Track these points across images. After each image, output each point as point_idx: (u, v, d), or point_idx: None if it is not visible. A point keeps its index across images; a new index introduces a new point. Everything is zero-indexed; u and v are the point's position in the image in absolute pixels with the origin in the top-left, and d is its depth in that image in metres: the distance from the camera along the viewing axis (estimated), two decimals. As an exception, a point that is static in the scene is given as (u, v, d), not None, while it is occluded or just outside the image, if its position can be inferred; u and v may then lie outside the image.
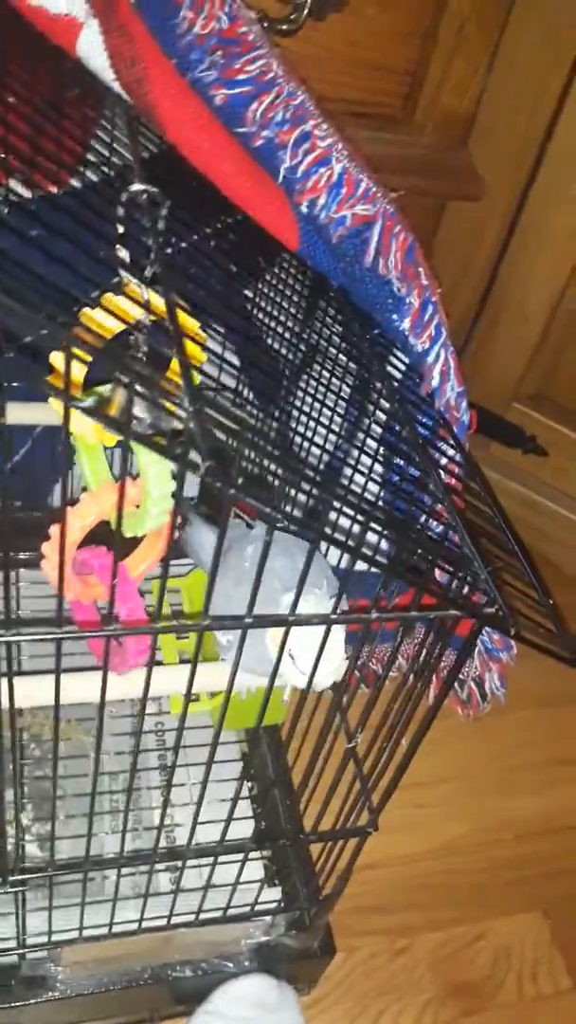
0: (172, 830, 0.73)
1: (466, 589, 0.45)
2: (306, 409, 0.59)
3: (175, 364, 0.34)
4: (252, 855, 0.61)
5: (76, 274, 0.39)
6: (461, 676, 0.79)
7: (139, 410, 0.42)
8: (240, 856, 0.57)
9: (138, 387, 0.32)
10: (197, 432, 0.31)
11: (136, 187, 0.44)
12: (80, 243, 0.42)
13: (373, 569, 0.42)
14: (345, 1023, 0.72)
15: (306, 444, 0.59)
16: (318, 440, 0.59)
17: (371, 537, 0.42)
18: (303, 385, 0.66)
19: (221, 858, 0.57)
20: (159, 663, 0.57)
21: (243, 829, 0.73)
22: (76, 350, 0.31)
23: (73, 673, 0.46)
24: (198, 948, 0.65)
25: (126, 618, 0.53)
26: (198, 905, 0.60)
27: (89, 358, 0.30)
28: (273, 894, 0.69)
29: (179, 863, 0.60)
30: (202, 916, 0.61)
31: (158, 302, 0.44)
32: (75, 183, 0.63)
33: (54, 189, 0.56)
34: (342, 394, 0.62)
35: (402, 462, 0.56)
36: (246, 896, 0.63)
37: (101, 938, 0.59)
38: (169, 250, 0.46)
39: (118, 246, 0.43)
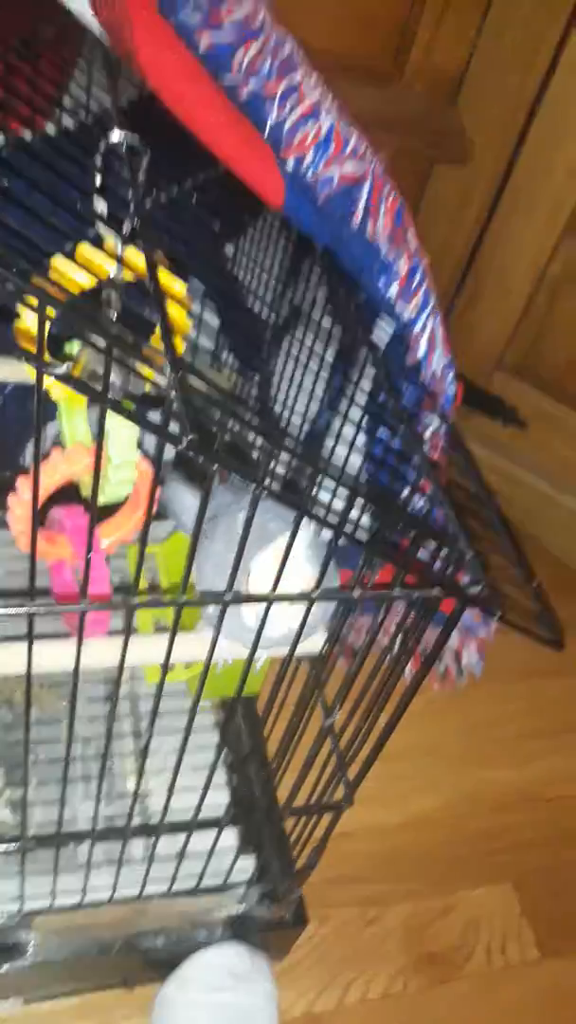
0: (145, 797, 0.72)
1: (451, 568, 0.44)
2: (287, 375, 0.57)
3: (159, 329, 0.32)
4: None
5: (48, 227, 0.37)
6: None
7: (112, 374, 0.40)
8: (214, 828, 0.56)
9: (115, 351, 0.30)
10: (179, 403, 0.29)
11: (115, 135, 0.41)
12: (54, 193, 0.39)
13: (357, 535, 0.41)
14: (316, 991, 0.72)
15: (287, 412, 0.57)
16: (299, 408, 0.57)
17: (353, 512, 0.41)
18: (284, 349, 0.64)
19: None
20: (135, 631, 0.56)
21: (218, 797, 0.72)
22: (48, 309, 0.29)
23: (46, 641, 0.45)
24: (171, 917, 0.64)
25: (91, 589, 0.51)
26: (171, 875, 0.59)
27: (54, 314, 0.28)
28: (246, 864, 0.68)
29: (153, 834, 0.59)
30: (175, 886, 0.60)
31: (138, 259, 0.41)
32: (50, 129, 0.59)
33: (27, 134, 0.53)
34: (325, 361, 0.60)
35: (386, 434, 0.54)
36: (219, 864, 0.62)
37: (73, 908, 0.58)
38: (148, 204, 0.44)
39: (95, 197, 0.41)
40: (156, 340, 0.41)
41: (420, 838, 0.85)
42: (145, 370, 0.33)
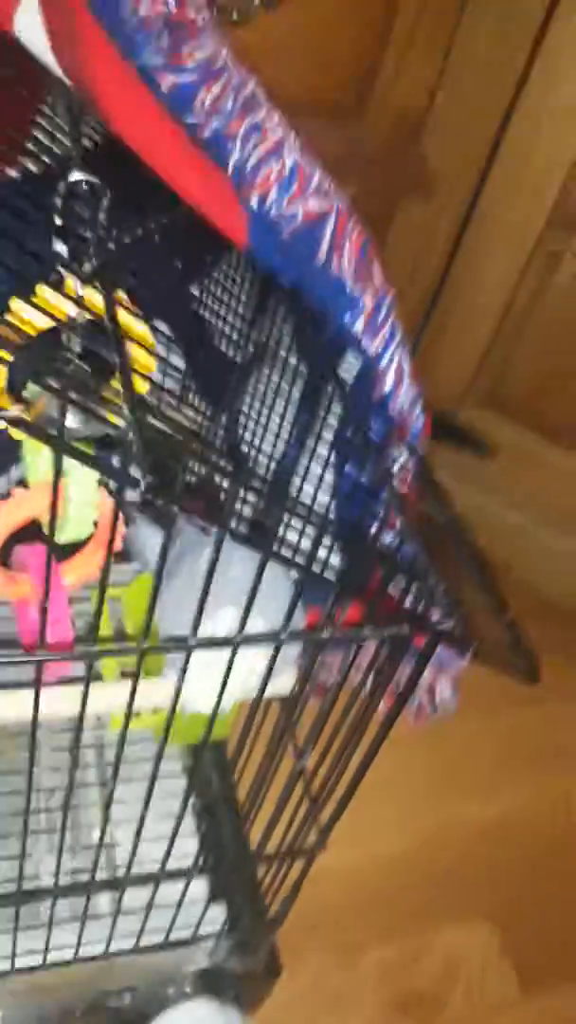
0: (112, 848, 0.70)
1: (422, 604, 0.43)
2: (254, 414, 0.56)
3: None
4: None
5: (7, 271, 0.36)
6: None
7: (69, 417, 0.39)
8: (183, 878, 0.55)
9: (72, 394, 0.29)
10: (137, 445, 0.29)
11: (76, 176, 0.41)
12: (14, 237, 0.39)
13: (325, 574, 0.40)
14: (291, 1044, 0.70)
15: (254, 451, 0.57)
16: (266, 447, 0.57)
17: (322, 550, 0.40)
18: (251, 388, 0.64)
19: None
20: (98, 677, 0.54)
21: (186, 846, 0.70)
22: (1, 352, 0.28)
23: (4, 691, 0.43)
24: (138, 974, 0.62)
25: (50, 633, 0.50)
26: (139, 929, 0.57)
27: (10, 357, 0.28)
28: (216, 914, 0.66)
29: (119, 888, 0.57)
30: (143, 941, 0.58)
31: (98, 301, 0.41)
32: (12, 173, 0.59)
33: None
34: (292, 398, 0.60)
35: (354, 470, 0.54)
36: (189, 916, 0.60)
37: (35, 969, 0.56)
38: (111, 245, 0.43)
39: (55, 239, 0.40)
40: (117, 381, 0.40)
41: (393, 877, 0.83)
42: (105, 412, 0.32)
